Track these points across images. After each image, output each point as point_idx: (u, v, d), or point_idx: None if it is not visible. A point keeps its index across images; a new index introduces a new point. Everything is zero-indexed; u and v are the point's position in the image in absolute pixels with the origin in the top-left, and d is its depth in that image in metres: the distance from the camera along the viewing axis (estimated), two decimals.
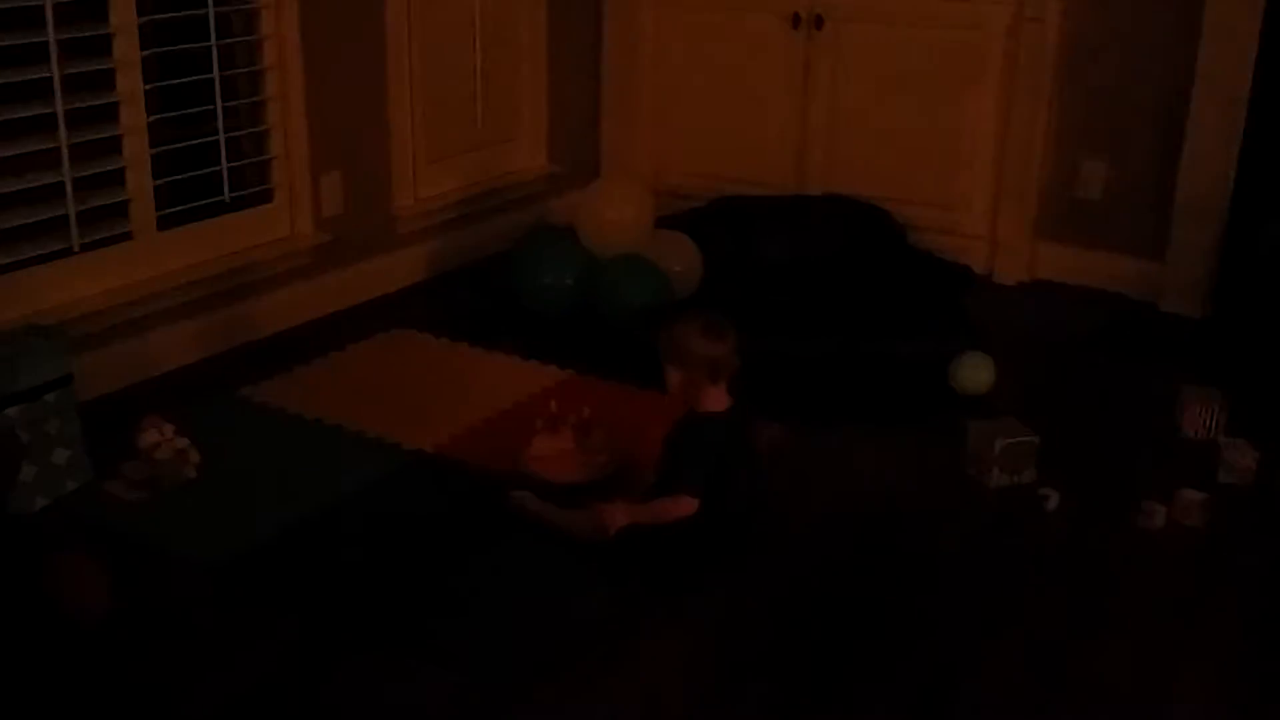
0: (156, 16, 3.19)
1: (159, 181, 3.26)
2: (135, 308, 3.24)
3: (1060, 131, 3.96)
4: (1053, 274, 4.38)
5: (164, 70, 3.24)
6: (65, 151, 3.02)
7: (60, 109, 2.99)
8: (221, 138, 3.38)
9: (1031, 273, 4.41)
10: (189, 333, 3.44)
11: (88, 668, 2.15)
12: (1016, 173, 4.03)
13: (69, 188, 3.05)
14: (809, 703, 2.16)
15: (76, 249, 3.12)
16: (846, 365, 3.37)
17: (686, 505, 2.46)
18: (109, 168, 3.15)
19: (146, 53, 3.16)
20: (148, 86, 3.19)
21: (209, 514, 2.68)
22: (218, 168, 3.41)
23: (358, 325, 3.72)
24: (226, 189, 3.47)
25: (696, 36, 4.37)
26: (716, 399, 2.51)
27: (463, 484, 2.86)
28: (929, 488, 2.91)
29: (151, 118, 3.22)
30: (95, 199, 3.14)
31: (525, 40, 4.31)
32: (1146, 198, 3.87)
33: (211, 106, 3.34)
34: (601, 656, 2.27)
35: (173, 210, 3.33)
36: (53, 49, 2.93)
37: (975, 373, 3.34)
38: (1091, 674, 2.24)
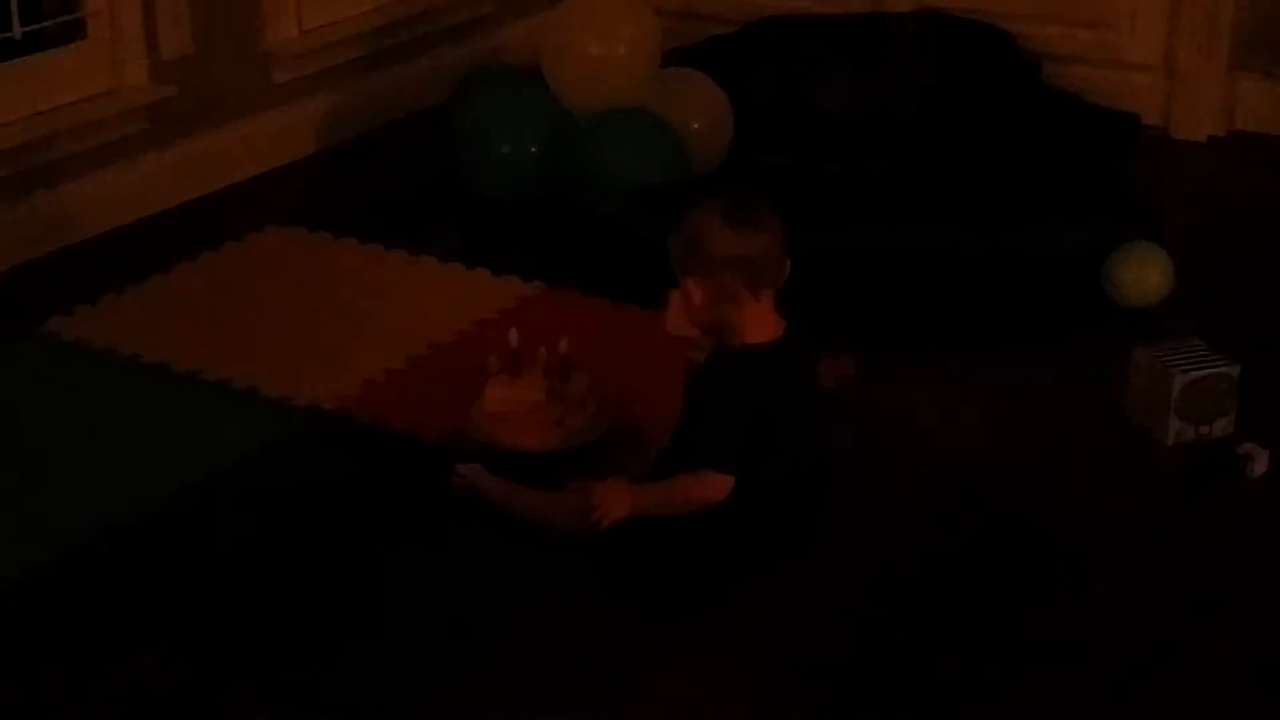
0: None
1: None
2: None
3: None
4: (1258, 124, 4.34)
5: None
6: None
7: None
8: None
9: (1227, 123, 4.36)
10: None
11: None
12: None
13: None
14: None
15: None
16: (948, 267, 3.40)
17: (715, 485, 2.47)
18: None
19: None
20: None
21: None
22: None
23: (218, 222, 3.76)
24: (16, 20, 3.43)
25: None
26: (758, 323, 2.52)
27: (381, 455, 2.90)
28: (1073, 445, 2.95)
29: None
30: None
31: None
32: None
33: None
34: (589, 706, 2.31)
35: None
36: None
37: (1143, 274, 3.38)
38: None
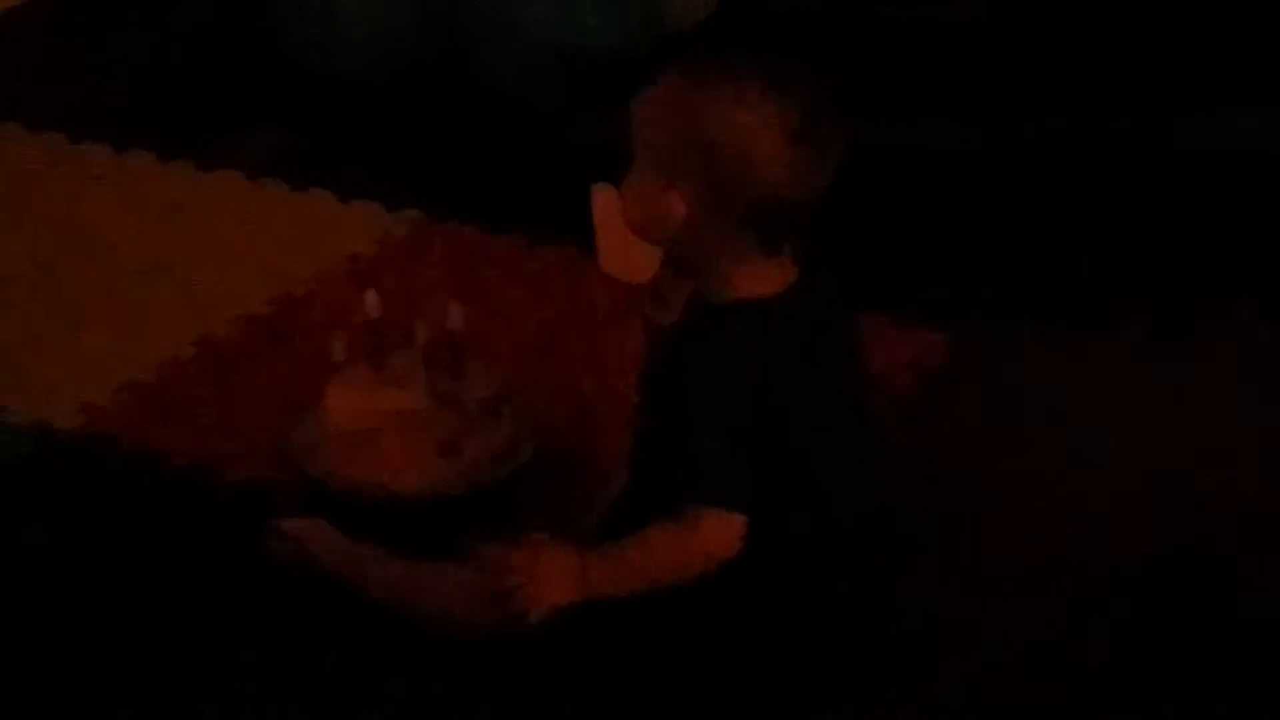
0: None
1: None
2: None
3: None
4: None
5: None
6: None
7: None
8: None
9: None
10: None
11: None
12: None
13: None
14: None
15: None
16: (1084, 176, 3.45)
17: (717, 535, 2.45)
18: None
19: None
20: None
21: None
22: None
23: None
24: None
25: None
26: (758, 270, 2.51)
27: (148, 501, 2.89)
28: (1265, 469, 2.94)
29: None
30: None
31: None
32: None
33: None
34: None
35: None
36: None
37: None
38: None
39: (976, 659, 2.64)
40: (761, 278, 2.51)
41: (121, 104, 3.99)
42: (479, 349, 2.96)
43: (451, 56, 3.79)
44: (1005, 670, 2.64)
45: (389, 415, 2.87)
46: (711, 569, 2.43)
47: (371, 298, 2.91)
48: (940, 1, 3.79)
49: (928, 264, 3.36)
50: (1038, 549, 2.80)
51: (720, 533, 2.43)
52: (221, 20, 4.23)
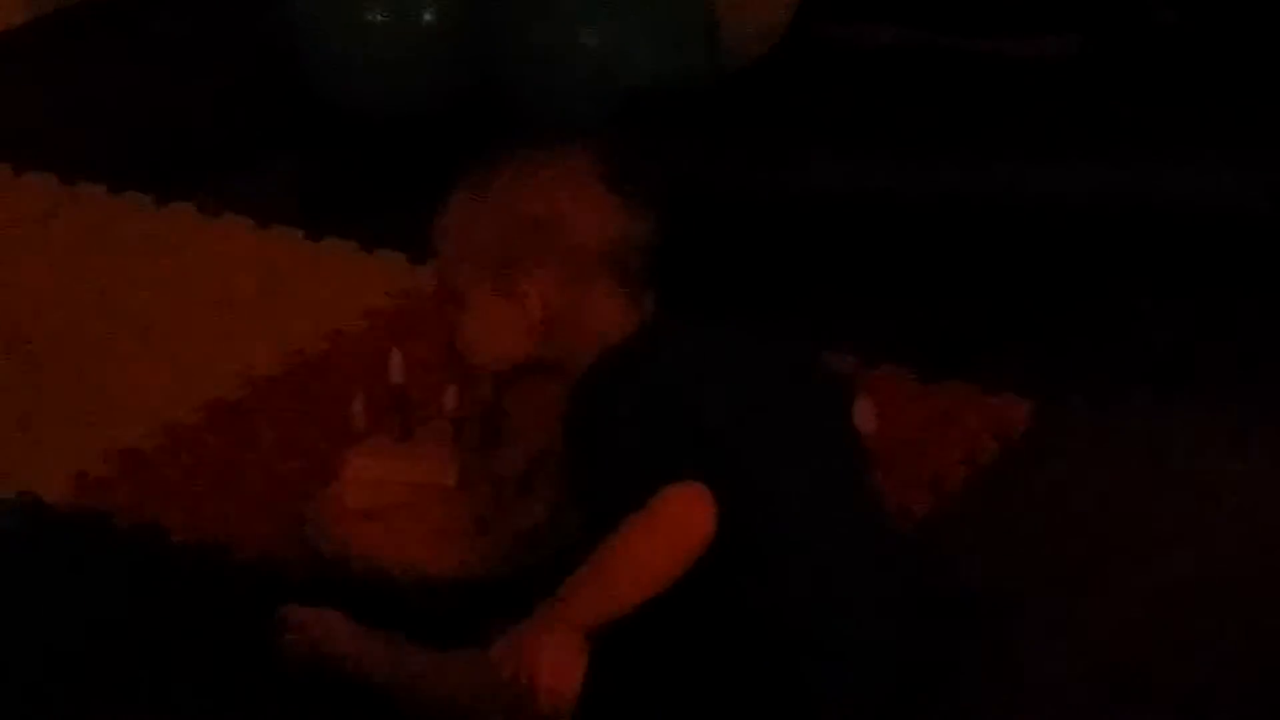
0: None
1: None
2: None
3: None
4: None
5: None
6: None
7: None
8: None
9: None
10: None
11: None
12: None
13: None
14: None
15: None
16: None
17: (682, 506, 2.38)
18: None
19: None
20: None
21: None
22: None
23: None
24: None
25: None
26: (636, 316, 2.57)
27: (145, 583, 2.85)
28: None
29: None
30: None
31: None
32: None
33: None
34: None
35: None
36: None
37: None
38: None
39: None
40: (629, 325, 2.53)
41: (120, 141, 4.01)
42: (513, 417, 2.88)
43: (488, 88, 3.81)
44: None
45: (414, 490, 2.82)
46: (695, 549, 2.33)
47: (395, 359, 2.87)
48: (1027, 36, 3.72)
49: (1008, 325, 3.35)
50: (1124, 643, 2.72)
51: (684, 503, 2.35)
52: (230, 47, 4.28)
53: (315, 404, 3.12)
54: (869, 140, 3.26)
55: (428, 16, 3.77)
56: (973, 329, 3.26)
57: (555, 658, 2.37)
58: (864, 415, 2.79)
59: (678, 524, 2.38)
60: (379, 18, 3.78)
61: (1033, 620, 2.75)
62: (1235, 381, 3.30)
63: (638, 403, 2.45)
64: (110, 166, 3.83)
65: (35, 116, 4.18)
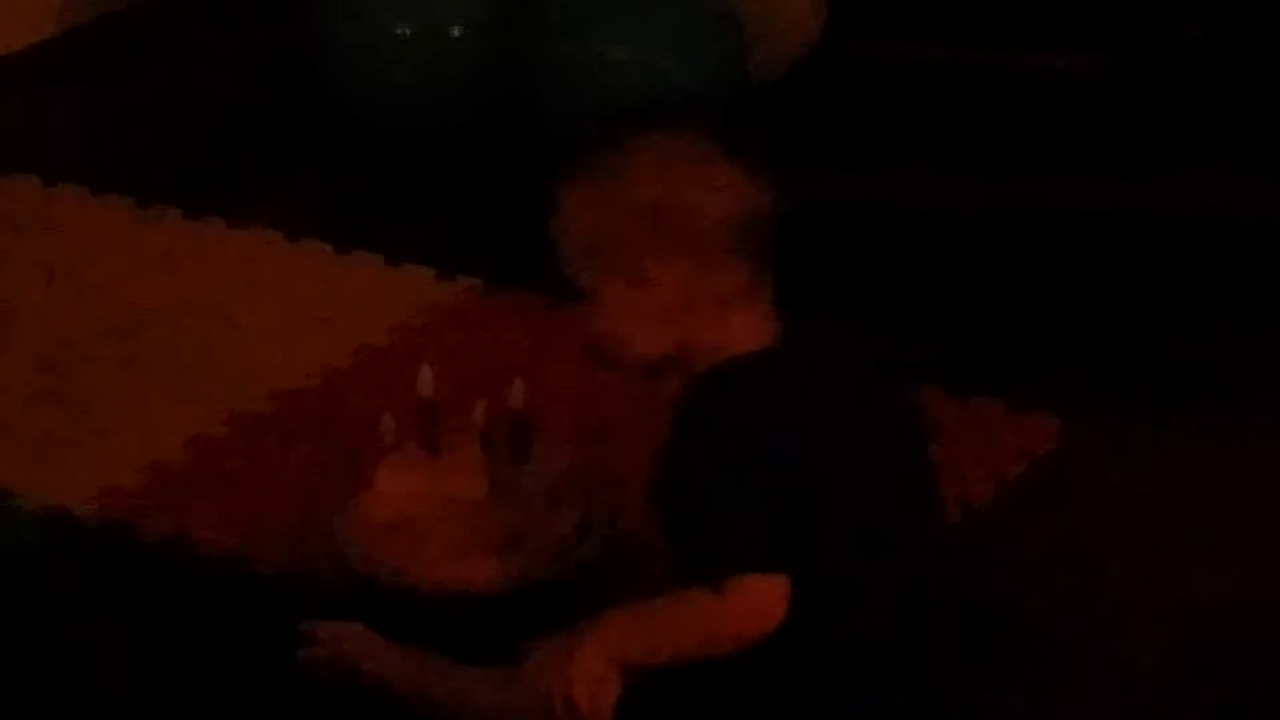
0: None
1: None
2: None
3: None
4: None
5: None
6: None
7: None
8: None
9: None
10: None
11: None
12: None
13: None
14: None
15: None
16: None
17: (754, 600, 2.36)
18: None
19: None
20: None
21: None
22: None
23: None
24: None
25: None
26: (752, 325, 2.50)
27: (178, 592, 2.84)
28: None
29: None
30: None
31: None
32: None
33: None
34: None
35: None
36: None
37: None
38: None
39: None
40: (757, 327, 2.48)
41: (148, 155, 4.01)
42: (543, 430, 2.91)
43: (515, 103, 3.81)
44: None
45: (443, 504, 2.83)
46: (753, 639, 2.32)
47: (425, 373, 2.86)
48: (1055, 52, 3.72)
49: (1038, 342, 3.36)
50: (1152, 659, 2.71)
51: (761, 597, 2.33)
52: (257, 61, 4.29)
53: (343, 417, 3.10)
54: (897, 156, 3.26)
55: (455, 31, 3.79)
56: (1003, 346, 3.27)
57: (592, 675, 2.36)
58: None
59: (749, 619, 2.36)
60: (407, 32, 3.79)
61: (1060, 636, 2.73)
62: (1267, 400, 3.27)
63: (746, 438, 2.40)
64: (139, 180, 3.83)
65: (63, 130, 4.19)
